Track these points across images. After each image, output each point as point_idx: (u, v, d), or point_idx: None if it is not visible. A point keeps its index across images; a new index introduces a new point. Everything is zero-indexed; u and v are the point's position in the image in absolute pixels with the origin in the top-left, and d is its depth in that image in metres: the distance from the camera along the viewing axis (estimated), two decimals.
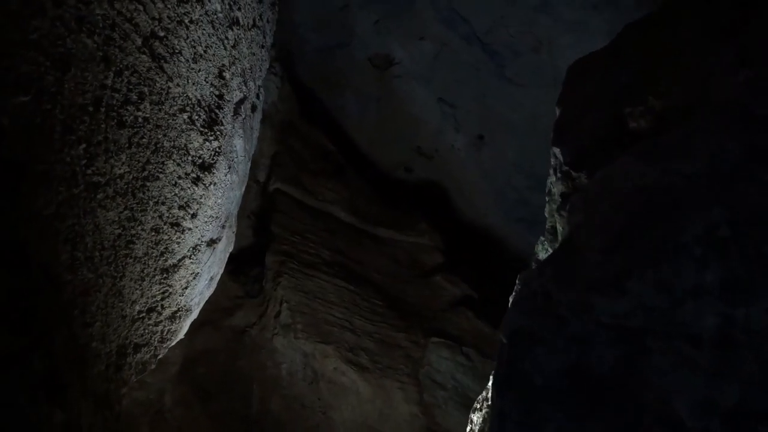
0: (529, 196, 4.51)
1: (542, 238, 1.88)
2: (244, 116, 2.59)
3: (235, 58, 2.38)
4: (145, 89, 1.90)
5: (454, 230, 4.71)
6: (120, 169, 1.82)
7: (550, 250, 1.66)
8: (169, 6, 1.92)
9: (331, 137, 4.72)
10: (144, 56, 1.87)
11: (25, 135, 1.50)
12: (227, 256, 2.70)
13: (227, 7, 2.17)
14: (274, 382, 3.53)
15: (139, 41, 1.83)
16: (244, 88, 2.57)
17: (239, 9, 2.30)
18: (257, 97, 2.92)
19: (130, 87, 1.83)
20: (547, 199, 1.76)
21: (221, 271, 2.66)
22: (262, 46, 2.80)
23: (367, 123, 4.88)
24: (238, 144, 2.56)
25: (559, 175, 1.58)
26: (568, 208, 1.41)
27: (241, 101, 2.51)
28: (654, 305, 1.10)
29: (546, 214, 1.78)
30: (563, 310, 1.19)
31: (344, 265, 3.97)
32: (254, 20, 2.52)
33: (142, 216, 1.94)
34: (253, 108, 2.79)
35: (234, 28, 2.29)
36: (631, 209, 1.18)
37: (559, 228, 1.58)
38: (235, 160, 2.56)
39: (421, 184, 4.91)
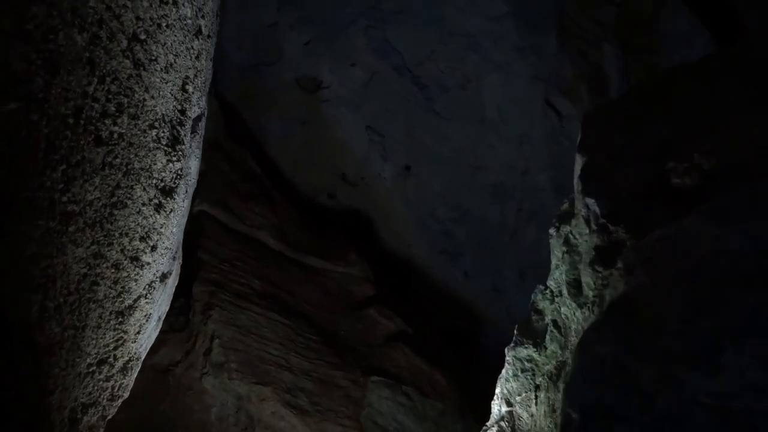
0: (452, 229, 4.61)
1: (543, 287, 1.87)
2: (200, 134, 2.34)
3: (198, 71, 2.15)
4: (124, 100, 1.63)
5: (382, 260, 4.67)
6: (92, 194, 1.53)
7: (575, 305, 1.63)
8: (153, 6, 1.68)
9: (256, 159, 4.46)
10: (127, 61, 1.62)
11: (10, 153, 1.19)
12: (173, 291, 2.40)
13: (195, 13, 1.97)
14: (202, 429, 3.17)
15: (124, 43, 1.59)
16: (201, 103, 2.33)
17: (203, 17, 2.08)
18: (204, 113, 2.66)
19: (110, 97, 1.56)
20: (564, 248, 1.75)
21: (167, 308, 2.35)
22: (212, 59, 2.57)
23: (291, 145, 4.69)
24: (194, 165, 2.31)
25: (594, 227, 1.57)
26: (620, 267, 1.40)
27: (198, 118, 2.26)
28: (759, 384, 1.03)
29: (561, 264, 1.76)
30: (647, 384, 1.12)
31: (276, 297, 3.73)
32: (210, 30, 2.30)
33: (107, 251, 1.65)
34: (203, 125, 2.54)
35: (198, 37, 2.07)
36: (711, 275, 1.18)
37: (589, 283, 1.55)
38: (190, 183, 2.30)
39: (345, 211, 4.81)
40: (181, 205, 2.15)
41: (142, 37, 1.68)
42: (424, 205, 4.63)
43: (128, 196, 1.72)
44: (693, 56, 4.20)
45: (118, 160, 1.63)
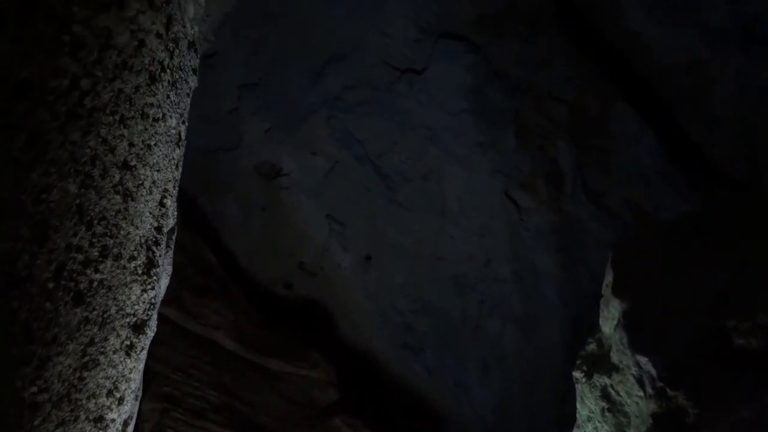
0: (414, 321, 4.46)
1: None
2: (172, 248, 2.12)
3: (176, 180, 1.97)
4: (110, 242, 1.45)
5: (342, 355, 4.43)
6: (63, 366, 1.32)
7: None
8: (146, 128, 1.57)
9: (212, 248, 4.26)
10: (117, 197, 1.46)
11: None
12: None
13: (178, 121, 1.82)
14: None
15: (117, 176, 1.44)
16: (175, 213, 2.11)
17: (184, 122, 1.93)
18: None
19: (94, 241, 1.39)
20: (603, 403, 1.57)
21: None
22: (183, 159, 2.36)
23: (248, 233, 4.53)
24: (163, 284, 2.06)
25: (650, 391, 1.42)
26: None
27: (172, 230, 2.06)
28: None
29: (598, 421, 1.57)
30: None
31: (234, 409, 3.41)
32: (185, 133, 2.15)
33: (72, 426, 1.40)
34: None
35: (179, 145, 1.91)
36: None
37: None
38: (158, 306, 2.02)
39: (303, 301, 4.60)
40: (150, 338, 1.90)
41: (133, 163, 1.54)
42: (385, 297, 4.50)
43: (101, 350, 1.50)
44: (642, 155, 4.40)
45: (95, 312, 1.43)
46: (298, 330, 4.26)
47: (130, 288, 1.59)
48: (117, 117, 1.43)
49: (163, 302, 3.61)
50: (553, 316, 4.21)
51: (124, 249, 1.51)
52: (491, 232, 4.34)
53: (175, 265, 3.88)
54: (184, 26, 1.77)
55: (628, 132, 4.41)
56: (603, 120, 4.45)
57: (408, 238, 4.41)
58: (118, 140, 1.41)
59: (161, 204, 1.76)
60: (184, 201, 4.27)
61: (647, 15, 4.38)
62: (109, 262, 1.44)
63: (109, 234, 1.43)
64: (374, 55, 4.41)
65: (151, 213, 1.69)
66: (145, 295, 1.70)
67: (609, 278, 1.70)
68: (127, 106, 1.47)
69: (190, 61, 1.86)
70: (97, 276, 1.39)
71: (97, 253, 1.39)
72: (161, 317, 3.56)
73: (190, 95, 1.99)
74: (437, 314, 4.43)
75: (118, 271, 1.49)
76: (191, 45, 1.86)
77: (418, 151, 4.30)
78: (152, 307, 1.75)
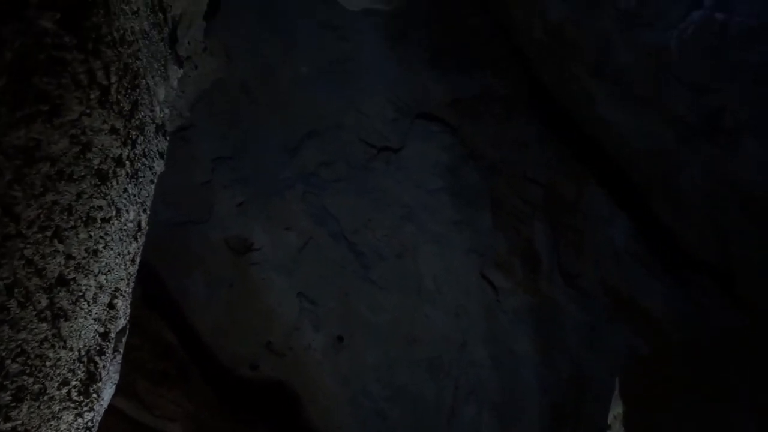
0: (386, 408, 4.23)
1: None
2: (121, 352, 1.89)
3: (131, 275, 1.74)
4: (28, 380, 1.22)
5: None
6: None
7: None
8: (94, 231, 1.36)
9: (173, 327, 4.03)
10: (43, 324, 1.24)
11: None
12: None
13: (137, 212, 1.62)
14: None
15: (44, 301, 1.23)
16: (128, 310, 1.89)
17: (145, 211, 1.73)
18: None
19: (6, 383, 1.16)
20: None
21: None
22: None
23: (214, 310, 4.32)
24: (107, 396, 1.79)
25: None
26: None
27: (123, 330, 1.84)
28: None
29: None
30: None
31: None
32: (147, 220, 1.97)
33: None
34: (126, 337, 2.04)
35: (138, 237, 1.69)
36: None
37: None
38: (96, 428, 1.76)
39: (268, 385, 4.33)
40: None
41: (71, 276, 1.32)
42: (357, 381, 4.27)
43: None
44: (616, 237, 4.41)
45: None
46: (260, 420, 3.97)
47: (59, 419, 1.34)
48: (49, 233, 1.22)
49: (115, 393, 3.29)
50: (531, 402, 4.04)
51: (51, 380, 1.25)
52: (467, 312, 4.22)
53: (130, 349, 3.60)
54: (152, 110, 1.66)
55: (602, 214, 4.45)
56: (577, 202, 4.49)
57: (382, 317, 4.26)
58: (50, 258, 1.21)
59: (110, 306, 1.53)
60: (146, 275, 4.07)
61: (617, 103, 4.53)
62: (25, 406, 1.18)
63: (27, 371, 1.19)
64: (351, 132, 4.42)
65: (96, 319, 1.45)
66: (80, 421, 1.43)
67: (617, 410, 1.58)
68: (65, 217, 1.26)
69: (157, 145, 1.72)
70: (7, 425, 1.15)
71: (9, 398, 1.16)
72: (112, 409, 3.27)
73: (155, 181, 1.82)
74: (411, 400, 4.21)
75: (40, 409, 1.23)
76: (159, 129, 1.74)
77: (393, 229, 4.24)
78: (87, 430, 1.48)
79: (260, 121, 4.52)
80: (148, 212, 1.73)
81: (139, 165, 1.57)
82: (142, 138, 1.58)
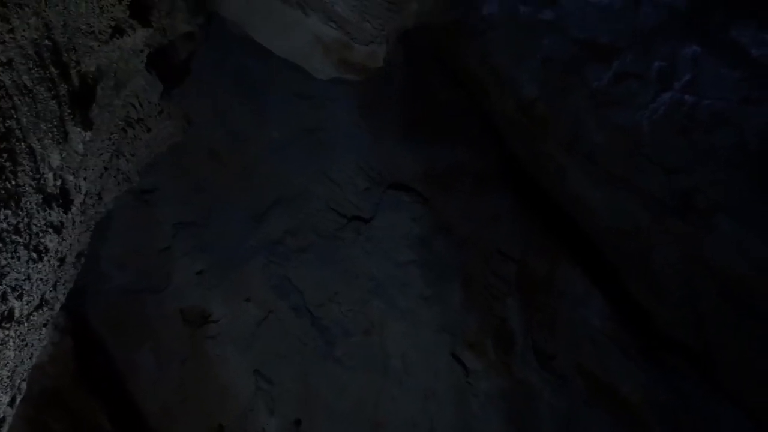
0: None
1: None
2: None
3: (26, 369, 1.50)
4: None
5: None
6: None
7: None
8: None
9: (112, 407, 3.67)
10: None
11: None
12: None
13: (51, 297, 1.38)
14: None
15: None
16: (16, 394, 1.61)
17: (20, 296, 1.45)
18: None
19: None
20: None
21: None
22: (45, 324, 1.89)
23: (164, 387, 3.98)
24: None
25: None
26: None
27: (2, 421, 1.58)
28: None
29: None
30: None
31: None
32: (57, 294, 1.74)
33: None
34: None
35: (12, 326, 1.47)
36: None
37: None
38: None
39: None
40: None
41: None
42: None
43: None
44: (590, 317, 4.25)
45: None
46: None
47: None
48: None
49: None
50: None
51: None
52: (436, 395, 3.96)
53: None
54: (36, 177, 1.43)
55: (577, 292, 4.31)
56: (551, 279, 4.35)
57: (345, 399, 3.97)
58: None
59: None
60: (86, 348, 3.76)
61: (590, 180, 4.49)
62: None
63: None
64: (321, 200, 4.29)
65: None
66: None
67: None
68: None
69: (45, 218, 1.48)
70: None
71: None
72: None
73: (46, 259, 1.57)
74: None
75: None
76: (52, 198, 1.51)
77: (360, 303, 4.03)
78: None
79: (227, 187, 4.37)
80: (35, 297, 1.50)
81: (7, 241, 1.34)
82: (7, 212, 1.35)
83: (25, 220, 1.38)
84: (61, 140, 1.50)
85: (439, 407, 3.93)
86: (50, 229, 1.49)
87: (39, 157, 1.41)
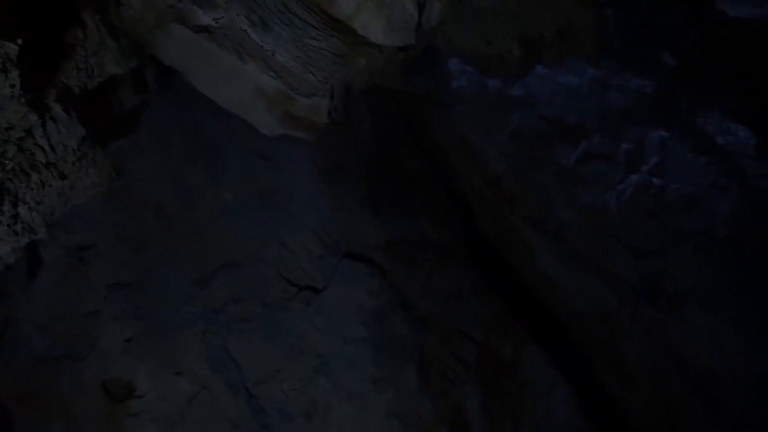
0: None
1: None
2: None
3: None
4: None
5: None
6: None
7: None
8: None
9: None
10: None
11: None
12: None
13: None
14: None
15: None
16: None
17: None
18: None
19: None
20: None
21: None
22: None
23: None
24: None
25: None
26: None
27: None
28: None
29: None
30: None
31: None
32: None
33: None
34: None
35: None
36: None
37: None
38: None
39: None
40: None
41: None
42: None
43: None
44: (557, 409, 3.93)
45: None
46: None
47: None
48: None
49: None
50: None
51: None
52: None
53: None
54: None
55: (542, 380, 4.01)
56: (515, 364, 4.06)
57: None
58: None
59: None
60: None
61: (558, 260, 4.34)
62: None
63: None
64: (272, 267, 4.01)
65: None
66: None
67: None
68: None
69: None
70: None
71: None
72: None
73: None
74: None
75: None
76: None
77: (304, 383, 3.66)
78: None
79: (171, 248, 4.07)
80: None
81: None
82: None
83: None
84: None
85: None
86: None
87: None
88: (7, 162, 1.65)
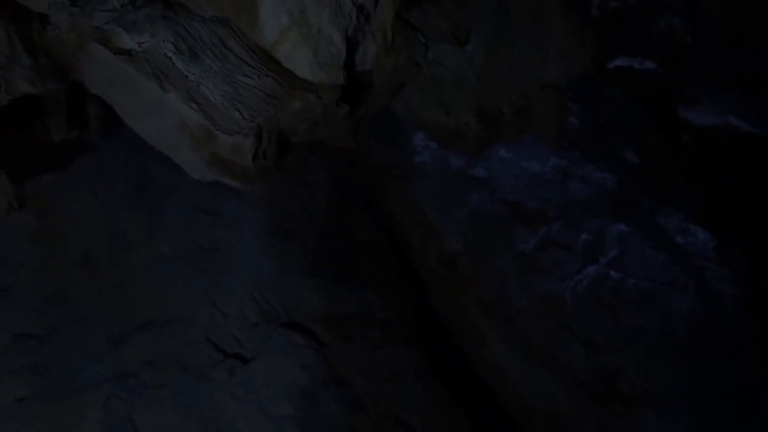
0: None
1: None
2: None
3: None
4: None
5: None
6: None
7: None
8: None
9: None
10: None
11: None
12: None
13: None
14: None
15: None
16: None
17: None
18: None
19: None
20: None
21: None
22: None
23: None
24: None
25: None
26: None
27: None
28: None
29: None
30: None
31: None
32: None
33: None
34: None
35: None
36: None
37: None
38: None
39: None
40: None
41: None
42: None
43: None
44: None
45: None
46: None
47: None
48: None
49: None
50: None
51: None
52: None
53: None
54: None
55: None
56: None
57: None
58: None
59: None
60: None
61: (510, 349, 4.13)
62: None
63: None
64: (199, 330, 3.68)
65: None
66: None
67: None
68: None
69: None
70: None
71: None
72: None
73: None
74: None
75: None
76: None
77: None
78: None
79: (93, 299, 3.75)
80: None
81: None
82: None
83: None
84: None
85: None
86: None
87: None
88: None
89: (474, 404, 3.94)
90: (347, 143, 2.62)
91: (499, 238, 4.39)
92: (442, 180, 4.55)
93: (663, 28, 4.42)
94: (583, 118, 4.54)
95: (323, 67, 1.76)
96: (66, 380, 3.34)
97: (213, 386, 3.42)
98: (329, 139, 2.47)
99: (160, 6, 1.73)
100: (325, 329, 3.84)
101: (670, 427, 3.38)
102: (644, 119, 4.54)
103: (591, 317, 4.00)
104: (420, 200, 4.55)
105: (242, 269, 3.94)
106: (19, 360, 3.40)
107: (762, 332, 3.76)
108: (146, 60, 1.70)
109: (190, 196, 4.06)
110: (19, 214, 3.48)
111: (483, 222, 4.45)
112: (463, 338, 4.28)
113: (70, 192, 3.86)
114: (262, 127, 1.81)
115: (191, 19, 1.73)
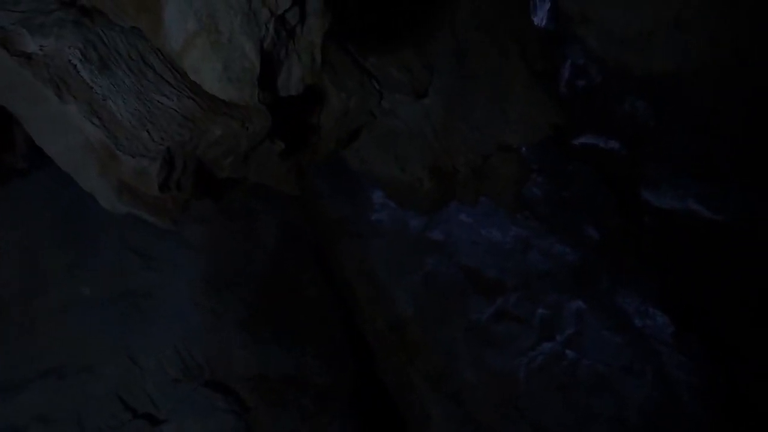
0: None
1: None
2: None
3: None
4: None
5: None
6: None
7: None
8: None
9: None
10: None
11: None
12: None
13: None
14: None
15: None
16: None
17: None
18: None
19: None
20: None
21: None
22: None
23: None
24: None
25: None
26: None
27: None
28: None
29: None
30: None
31: None
32: None
33: None
34: None
35: None
36: None
37: None
38: None
39: None
40: None
41: None
42: None
43: None
44: None
45: None
46: None
47: None
48: None
49: None
50: None
51: None
52: None
53: None
54: None
55: None
56: None
57: None
58: None
59: None
60: None
61: (455, 426, 3.87)
62: None
63: None
64: (110, 384, 3.29)
65: None
66: None
67: None
68: None
69: None
70: None
71: None
72: None
73: None
74: None
75: None
76: None
77: None
78: None
79: None
80: None
81: None
82: None
83: None
84: None
85: None
86: None
87: None
88: None
89: None
90: (290, 188, 2.41)
91: (452, 306, 4.17)
92: (398, 240, 4.35)
93: (627, 109, 4.43)
94: (546, 189, 4.45)
95: (234, 83, 1.58)
96: None
97: None
98: (267, 180, 2.26)
99: (75, 11, 1.55)
100: (253, 391, 3.47)
101: None
102: (607, 197, 4.48)
103: (542, 398, 3.76)
104: (373, 259, 4.32)
105: (169, 319, 3.59)
106: None
107: (716, 427, 3.57)
108: (45, 65, 1.50)
109: (123, 233, 3.75)
110: None
111: (437, 288, 4.23)
112: (406, 413, 3.96)
113: None
114: (174, 153, 1.61)
115: (109, 28, 1.56)
